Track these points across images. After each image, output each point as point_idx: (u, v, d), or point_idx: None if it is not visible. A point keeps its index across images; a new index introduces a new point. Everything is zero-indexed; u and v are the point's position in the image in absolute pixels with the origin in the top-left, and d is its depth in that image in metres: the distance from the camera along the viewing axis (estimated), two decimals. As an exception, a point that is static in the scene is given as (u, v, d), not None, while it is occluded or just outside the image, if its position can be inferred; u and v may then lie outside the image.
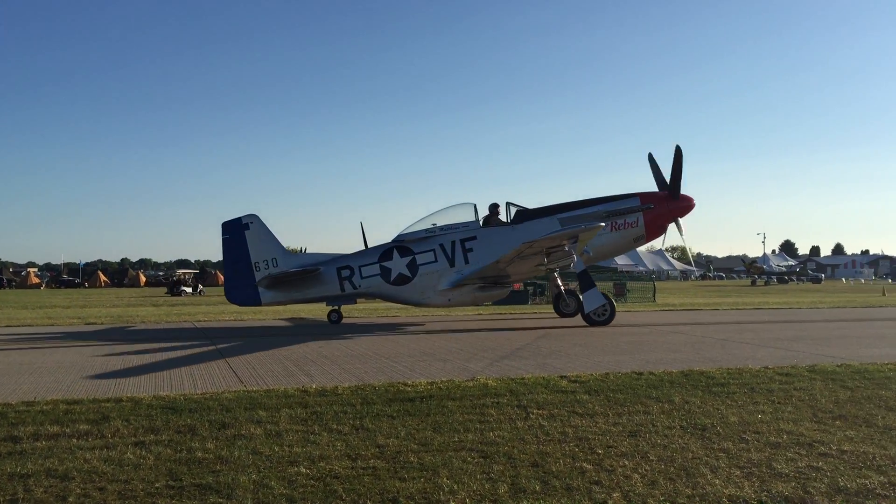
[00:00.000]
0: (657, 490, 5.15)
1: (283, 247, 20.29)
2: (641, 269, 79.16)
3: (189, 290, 57.08)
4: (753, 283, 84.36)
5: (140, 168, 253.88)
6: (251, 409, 7.84)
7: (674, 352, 13.19)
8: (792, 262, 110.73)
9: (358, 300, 20.83)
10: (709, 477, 5.40)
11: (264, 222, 20.16)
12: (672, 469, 5.62)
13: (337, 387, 9.30)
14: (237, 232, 20.01)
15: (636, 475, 5.47)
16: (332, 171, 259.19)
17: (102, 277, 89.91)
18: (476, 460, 5.89)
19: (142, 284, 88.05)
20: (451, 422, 7.24)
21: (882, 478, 5.37)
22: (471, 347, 14.22)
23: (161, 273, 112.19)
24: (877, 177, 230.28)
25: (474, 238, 19.73)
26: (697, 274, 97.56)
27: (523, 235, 18.89)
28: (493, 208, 20.33)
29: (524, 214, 19.99)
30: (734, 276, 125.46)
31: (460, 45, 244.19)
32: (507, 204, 20.24)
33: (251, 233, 19.95)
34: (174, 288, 56.57)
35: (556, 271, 20.72)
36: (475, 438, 6.58)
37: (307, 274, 19.73)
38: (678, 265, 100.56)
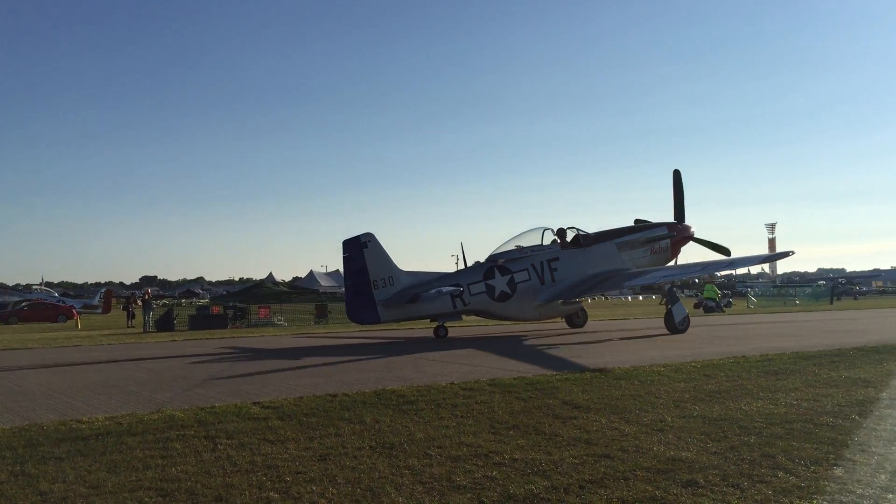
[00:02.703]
0: (343, 513, 5.16)
1: (396, 265, 20.95)
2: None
3: None
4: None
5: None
6: None
7: (368, 371, 13.49)
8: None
9: (463, 317, 22.87)
10: (393, 495, 5.53)
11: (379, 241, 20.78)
12: (359, 490, 5.67)
13: (-5, 429, 8.22)
14: (356, 250, 20.43)
15: (323, 500, 5.44)
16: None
17: None
18: (154, 500, 5.48)
19: None
20: (129, 459, 6.70)
21: (547, 482, 5.85)
22: (160, 377, 13.38)
23: None
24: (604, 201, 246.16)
25: (557, 259, 22.20)
26: None
27: (595, 256, 22.47)
28: (562, 233, 22.84)
29: (590, 238, 22.85)
30: None
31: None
32: (570, 228, 22.97)
33: (369, 251, 20.45)
34: None
35: None
36: (155, 475, 6.13)
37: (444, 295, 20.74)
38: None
